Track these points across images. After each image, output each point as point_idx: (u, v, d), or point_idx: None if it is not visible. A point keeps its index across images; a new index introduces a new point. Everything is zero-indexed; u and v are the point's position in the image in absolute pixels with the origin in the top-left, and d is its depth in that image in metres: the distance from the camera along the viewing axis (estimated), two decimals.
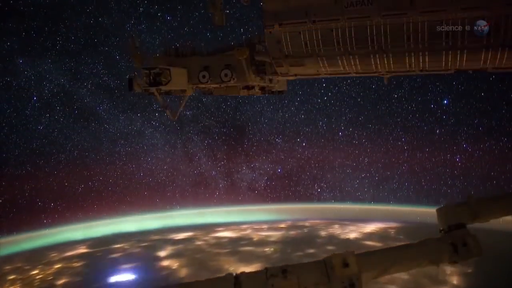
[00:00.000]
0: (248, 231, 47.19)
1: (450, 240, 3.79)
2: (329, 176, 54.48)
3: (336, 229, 46.23)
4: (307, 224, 48.48)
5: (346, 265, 3.49)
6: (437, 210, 4.22)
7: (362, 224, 47.02)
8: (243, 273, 3.54)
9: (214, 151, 53.98)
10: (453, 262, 3.80)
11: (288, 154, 54.25)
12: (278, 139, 54.45)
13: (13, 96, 44.29)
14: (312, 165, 54.20)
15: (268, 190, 54.77)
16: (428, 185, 49.90)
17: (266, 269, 3.52)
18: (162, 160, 53.58)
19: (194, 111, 48.34)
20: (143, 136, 51.86)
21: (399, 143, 50.18)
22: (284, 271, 3.46)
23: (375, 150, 52.04)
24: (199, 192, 54.67)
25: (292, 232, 45.80)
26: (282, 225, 48.60)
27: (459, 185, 48.23)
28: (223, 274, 3.53)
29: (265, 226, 48.94)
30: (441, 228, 4.05)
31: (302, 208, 54.26)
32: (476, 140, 46.35)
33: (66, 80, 45.88)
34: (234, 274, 3.51)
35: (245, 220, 51.33)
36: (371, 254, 3.83)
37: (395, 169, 51.81)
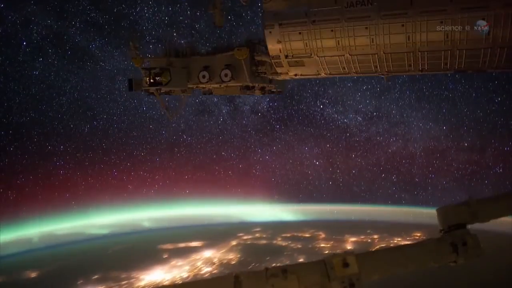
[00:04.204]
0: None
1: (450, 240, 3.78)
2: (330, 91, 55.19)
3: None
4: None
5: (346, 265, 3.48)
6: (437, 210, 4.21)
7: None
8: (243, 272, 3.53)
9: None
10: (453, 262, 3.79)
11: None
12: None
13: (2, 43, 42.90)
14: (313, 82, 54.57)
15: (271, 111, 55.52)
16: (430, 91, 50.94)
17: (266, 269, 3.51)
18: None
19: (189, 39, 47.33)
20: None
21: None
22: (284, 271, 3.45)
23: None
24: (203, 120, 54.97)
25: None
26: None
27: (461, 88, 49.36)
28: (223, 275, 3.53)
29: None
30: (441, 228, 4.05)
31: None
32: None
33: (53, 20, 44.56)
34: (234, 274, 3.50)
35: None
36: (371, 254, 3.83)
37: (396, 78, 52.49)
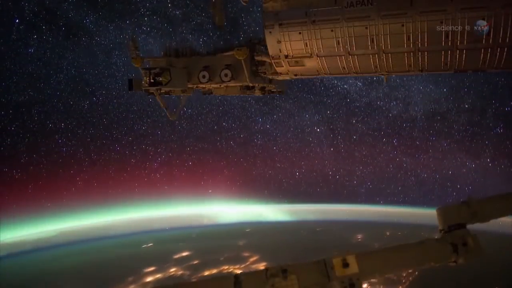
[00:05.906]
0: None
1: (450, 240, 3.78)
2: None
3: None
4: None
5: (346, 265, 3.49)
6: (437, 210, 4.21)
7: None
8: (243, 273, 3.54)
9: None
10: (453, 262, 3.79)
11: None
12: None
13: None
14: None
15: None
16: None
17: (266, 269, 3.51)
18: None
19: (185, 9, 45.96)
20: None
21: None
22: (284, 271, 3.45)
23: None
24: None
25: None
26: None
27: None
28: (223, 275, 3.53)
29: None
30: (441, 228, 4.05)
31: None
32: None
33: None
34: (234, 274, 3.50)
35: None
36: (371, 254, 3.83)
37: None
